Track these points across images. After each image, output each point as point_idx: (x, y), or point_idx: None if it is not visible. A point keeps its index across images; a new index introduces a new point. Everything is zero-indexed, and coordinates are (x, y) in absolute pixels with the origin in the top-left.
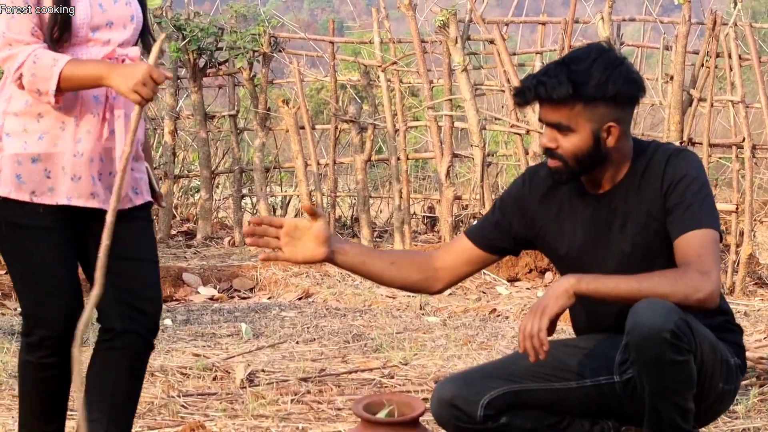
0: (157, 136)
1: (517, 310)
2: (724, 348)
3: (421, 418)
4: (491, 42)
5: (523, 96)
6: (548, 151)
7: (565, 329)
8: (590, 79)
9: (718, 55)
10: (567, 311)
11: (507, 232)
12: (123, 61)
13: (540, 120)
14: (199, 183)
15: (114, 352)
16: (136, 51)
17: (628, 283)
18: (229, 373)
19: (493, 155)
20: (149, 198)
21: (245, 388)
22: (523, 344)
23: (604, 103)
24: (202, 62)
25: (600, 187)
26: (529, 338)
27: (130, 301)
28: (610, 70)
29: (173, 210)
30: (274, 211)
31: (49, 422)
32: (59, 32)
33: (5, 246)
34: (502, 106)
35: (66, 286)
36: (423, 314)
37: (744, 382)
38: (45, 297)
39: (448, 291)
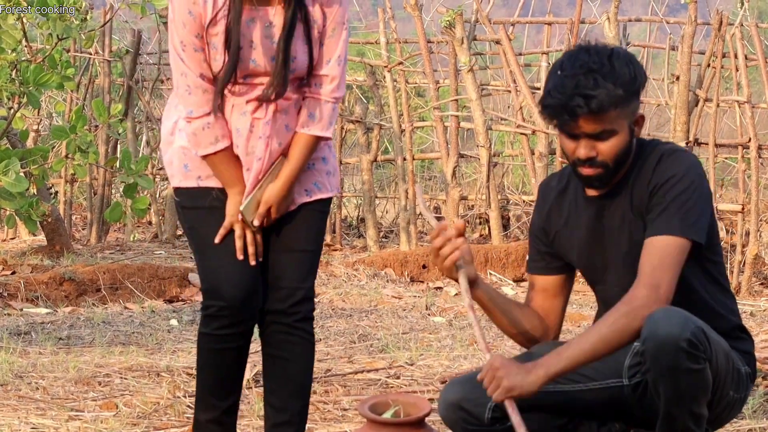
0: None
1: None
2: (736, 356)
3: (427, 419)
4: (497, 42)
5: (573, 115)
6: (588, 161)
7: (572, 330)
8: (625, 77)
9: (724, 56)
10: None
11: (549, 253)
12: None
13: (570, 134)
14: None
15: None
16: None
17: (581, 349)
18: None
19: (499, 155)
20: (326, 195)
21: (251, 388)
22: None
23: (636, 95)
24: None
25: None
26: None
27: (275, 287)
28: (631, 63)
29: None
30: None
31: (223, 398)
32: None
33: (185, 227)
34: (508, 107)
35: (236, 259)
36: (429, 314)
37: None
38: (218, 268)
39: (454, 291)
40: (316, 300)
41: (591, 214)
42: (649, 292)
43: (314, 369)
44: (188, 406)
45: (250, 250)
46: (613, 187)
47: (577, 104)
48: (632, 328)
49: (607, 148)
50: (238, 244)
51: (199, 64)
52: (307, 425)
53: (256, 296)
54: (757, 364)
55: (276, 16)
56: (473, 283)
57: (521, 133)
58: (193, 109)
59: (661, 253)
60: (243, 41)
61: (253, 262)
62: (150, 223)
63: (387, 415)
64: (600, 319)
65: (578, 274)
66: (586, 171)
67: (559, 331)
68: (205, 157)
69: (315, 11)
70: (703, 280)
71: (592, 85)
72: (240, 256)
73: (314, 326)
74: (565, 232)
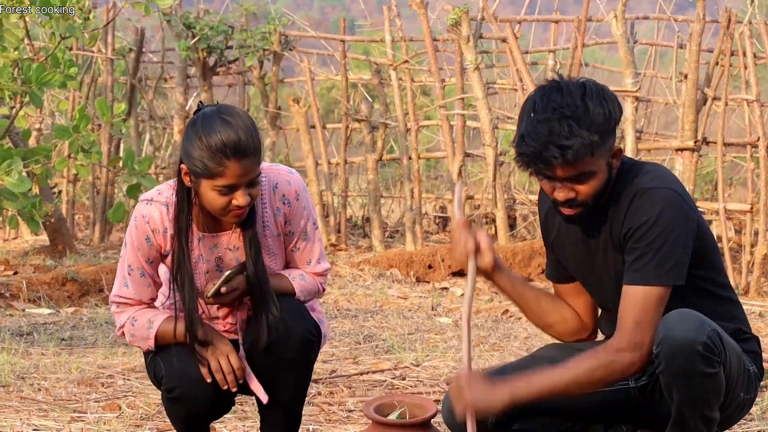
0: (166, 135)
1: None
2: (746, 358)
3: (432, 420)
4: (503, 40)
5: (548, 164)
6: (566, 203)
7: None
8: (599, 118)
9: (732, 54)
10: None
11: (557, 260)
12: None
13: (548, 178)
14: None
15: None
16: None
17: (553, 383)
18: None
19: (505, 154)
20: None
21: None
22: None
23: (611, 133)
24: (212, 61)
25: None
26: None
27: None
28: (604, 100)
29: None
30: None
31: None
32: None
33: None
34: (515, 105)
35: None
36: (435, 315)
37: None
38: (178, 361)
39: (460, 291)
40: (321, 301)
41: (578, 232)
42: (632, 353)
43: (319, 370)
44: None
45: (229, 378)
46: (595, 214)
47: (552, 155)
48: (607, 382)
49: (585, 189)
50: (218, 377)
51: (142, 289)
52: (312, 426)
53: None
54: (764, 364)
55: (234, 240)
56: (496, 268)
57: None
58: (122, 317)
59: (642, 307)
60: (203, 268)
61: (234, 389)
62: None
63: (393, 417)
64: (581, 356)
65: None
66: (566, 211)
67: (593, 325)
68: (158, 338)
69: (279, 219)
70: (701, 298)
71: (567, 132)
72: (224, 387)
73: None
74: (559, 243)
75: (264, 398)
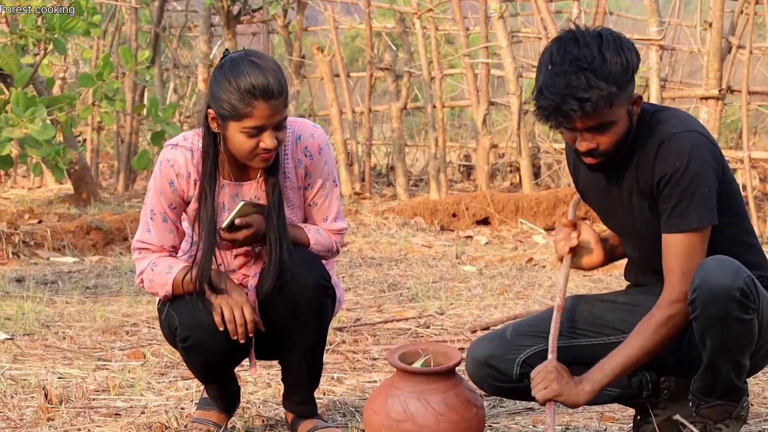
0: (190, 84)
1: (554, 259)
2: None
3: (457, 368)
4: None
5: (567, 117)
6: (588, 153)
7: (603, 279)
8: (616, 68)
9: (757, 2)
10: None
11: None
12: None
13: (569, 130)
14: None
15: None
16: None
17: (624, 362)
18: None
19: (529, 103)
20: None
21: None
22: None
23: (630, 82)
24: (236, 9)
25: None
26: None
27: None
28: (621, 49)
29: None
30: None
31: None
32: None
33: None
34: (539, 54)
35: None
36: (459, 263)
37: None
38: (194, 310)
39: (484, 240)
40: (345, 249)
41: (603, 180)
42: (685, 304)
43: (344, 318)
44: None
45: (240, 329)
46: (618, 161)
47: (571, 108)
48: (670, 337)
49: (606, 138)
50: (230, 327)
51: (164, 235)
52: (337, 374)
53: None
54: None
55: (258, 190)
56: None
57: None
58: (143, 263)
59: (687, 254)
60: (224, 216)
61: (242, 340)
62: None
63: (417, 365)
64: (639, 326)
65: None
66: (588, 161)
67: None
68: (175, 285)
69: (300, 171)
70: (726, 245)
71: (584, 84)
72: (234, 337)
73: (343, 275)
74: (586, 190)
75: (252, 370)
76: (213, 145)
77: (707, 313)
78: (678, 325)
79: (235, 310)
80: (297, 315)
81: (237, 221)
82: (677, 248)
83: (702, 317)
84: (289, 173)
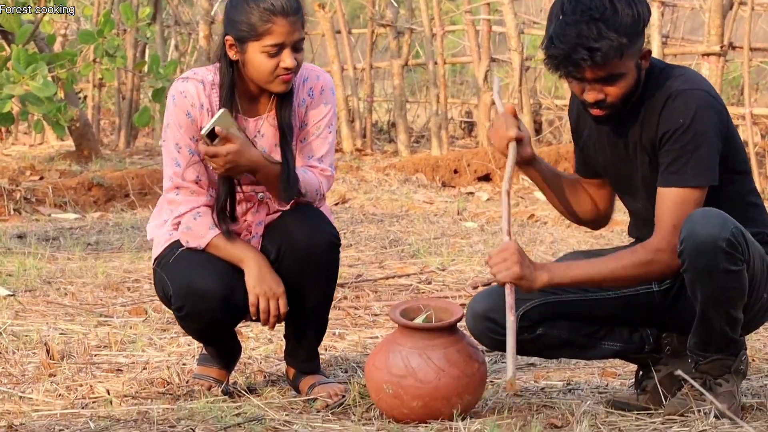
0: (192, 41)
1: (556, 215)
2: None
3: (458, 324)
4: None
5: (577, 67)
6: (596, 104)
7: (604, 235)
8: (627, 19)
9: None
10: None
11: (588, 155)
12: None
13: (578, 80)
14: None
15: None
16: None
17: (590, 275)
18: None
19: (531, 59)
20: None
21: None
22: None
23: (640, 35)
24: None
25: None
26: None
27: None
28: (632, 2)
29: None
30: None
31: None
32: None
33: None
34: (541, 10)
35: (212, 261)
36: (460, 220)
37: None
38: (188, 267)
39: (486, 196)
40: (347, 205)
41: (609, 133)
42: (671, 254)
43: (345, 274)
44: None
45: (271, 321)
46: (626, 115)
47: (581, 57)
48: (643, 279)
49: (614, 90)
50: (263, 317)
51: (195, 168)
52: (338, 330)
53: (237, 293)
54: None
55: (264, 126)
56: (529, 161)
57: None
58: (182, 207)
59: (680, 209)
60: None
61: (272, 330)
62: None
63: (418, 321)
64: (620, 252)
65: None
66: (595, 112)
67: (610, 213)
68: (206, 246)
69: (301, 110)
70: (729, 202)
71: (595, 34)
72: (264, 326)
73: (345, 231)
74: (591, 142)
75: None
76: (230, 74)
77: (695, 265)
78: (654, 272)
79: (271, 302)
80: (307, 273)
81: (217, 129)
82: (670, 201)
83: (690, 269)
84: (294, 113)
